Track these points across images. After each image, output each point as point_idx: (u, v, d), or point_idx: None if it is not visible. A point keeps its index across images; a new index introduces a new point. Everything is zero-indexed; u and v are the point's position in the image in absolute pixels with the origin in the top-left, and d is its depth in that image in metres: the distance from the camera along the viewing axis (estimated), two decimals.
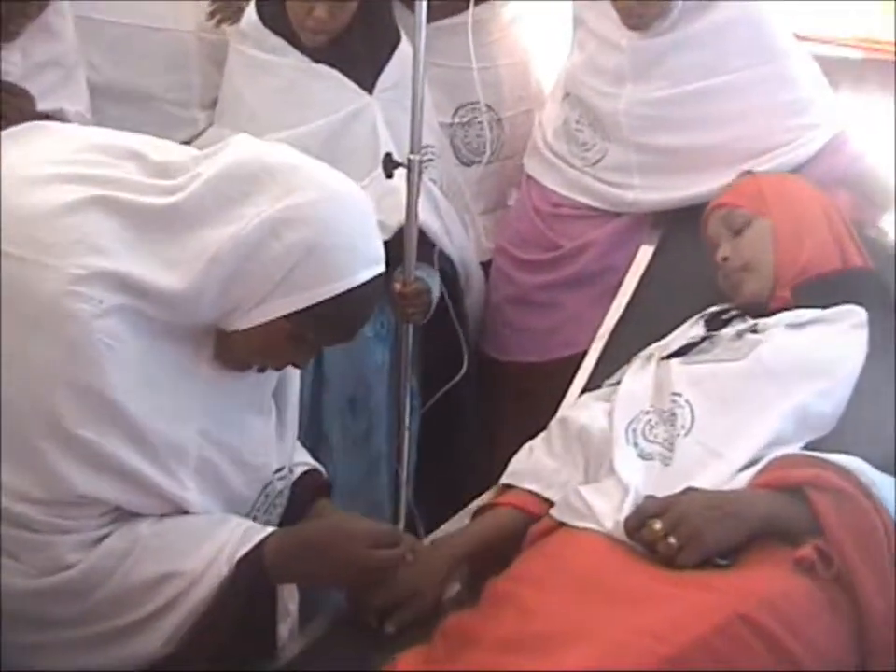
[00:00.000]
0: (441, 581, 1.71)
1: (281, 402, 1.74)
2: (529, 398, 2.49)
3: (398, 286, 2.31)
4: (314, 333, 1.54)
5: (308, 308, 1.48)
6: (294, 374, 1.78)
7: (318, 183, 1.50)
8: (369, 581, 1.61)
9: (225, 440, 1.58)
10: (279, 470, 1.71)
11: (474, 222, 2.78)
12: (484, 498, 1.93)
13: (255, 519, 1.65)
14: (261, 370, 1.60)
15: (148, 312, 1.45)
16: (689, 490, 1.54)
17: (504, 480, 1.90)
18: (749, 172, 2.08)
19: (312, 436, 2.35)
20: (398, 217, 2.28)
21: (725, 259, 1.93)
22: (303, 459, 1.84)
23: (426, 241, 2.38)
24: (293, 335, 1.51)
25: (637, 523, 1.50)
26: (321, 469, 1.87)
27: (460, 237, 2.62)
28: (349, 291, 1.49)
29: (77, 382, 1.40)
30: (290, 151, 1.54)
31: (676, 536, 1.45)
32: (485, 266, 2.74)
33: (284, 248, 1.45)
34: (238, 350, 1.55)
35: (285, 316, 1.48)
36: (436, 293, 2.40)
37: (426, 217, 2.37)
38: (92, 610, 1.49)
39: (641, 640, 1.27)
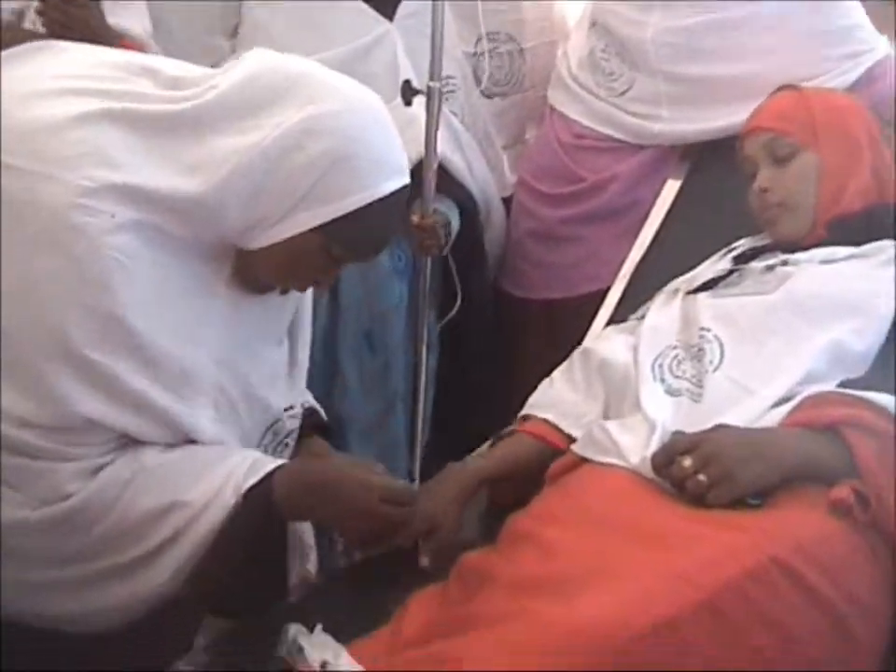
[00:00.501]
0: (458, 506, 1.66)
1: (293, 338, 1.69)
2: (551, 335, 2.46)
3: (415, 218, 2.26)
4: (339, 247, 1.47)
5: (334, 221, 1.42)
6: (307, 310, 1.72)
7: (341, 93, 1.44)
8: (375, 535, 1.55)
9: (239, 368, 1.53)
10: (289, 409, 1.66)
11: (497, 156, 2.72)
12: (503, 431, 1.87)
13: None
14: (284, 291, 1.55)
15: (165, 227, 1.39)
16: (720, 427, 1.46)
17: (523, 411, 1.85)
18: (792, 86, 1.94)
19: (326, 372, 2.32)
20: (417, 150, 2.22)
21: (764, 189, 1.82)
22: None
23: (445, 174, 2.33)
24: (318, 250, 1.46)
25: (666, 459, 1.43)
26: (319, 409, 1.79)
27: (482, 171, 2.57)
28: (375, 202, 1.44)
29: (85, 301, 1.34)
30: (311, 62, 1.48)
31: (706, 473, 1.38)
32: (507, 202, 2.69)
33: (308, 159, 1.39)
34: (260, 269, 1.49)
35: (310, 230, 1.43)
36: (455, 226, 2.34)
37: (446, 149, 2.32)
38: (95, 544, 1.44)
39: (670, 584, 1.20)
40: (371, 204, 1.43)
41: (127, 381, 1.39)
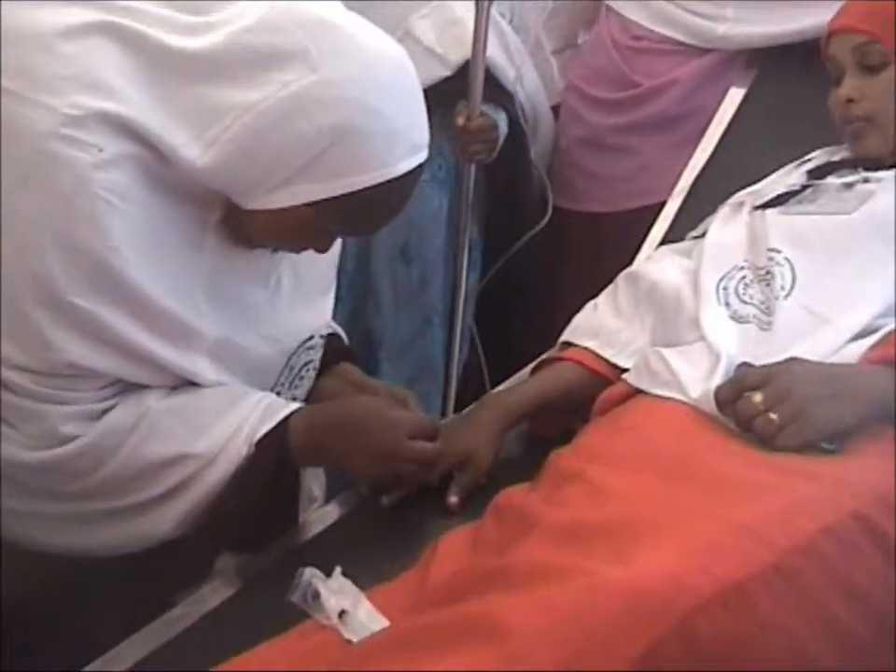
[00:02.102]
0: (495, 439, 1.54)
1: (311, 263, 1.55)
2: (599, 253, 2.34)
3: (460, 120, 2.14)
4: (338, 224, 1.35)
5: (336, 197, 1.27)
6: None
7: (361, 53, 1.25)
8: (400, 474, 1.44)
9: (238, 311, 1.42)
10: (308, 339, 1.54)
11: (547, 61, 2.58)
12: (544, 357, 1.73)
13: (279, 394, 1.50)
14: (275, 250, 1.42)
15: (154, 165, 1.25)
16: (792, 360, 1.30)
17: (564, 337, 1.71)
18: None
19: (358, 287, 2.24)
20: (461, 52, 2.12)
21: (850, 100, 1.63)
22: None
23: (491, 79, 2.19)
24: (315, 224, 1.32)
25: (732, 393, 1.27)
26: (342, 333, 1.68)
27: (531, 77, 2.44)
28: (385, 182, 1.28)
29: (70, 243, 1.23)
30: (334, 4, 1.31)
31: (778, 412, 1.22)
32: (556, 110, 2.56)
33: (314, 130, 1.23)
34: (252, 230, 1.36)
35: (308, 203, 1.28)
36: (503, 131, 2.20)
37: (493, 53, 2.19)
38: (95, 488, 1.36)
39: (737, 541, 1.04)
40: (379, 184, 1.27)
41: (116, 328, 1.29)
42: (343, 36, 1.25)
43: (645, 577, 0.99)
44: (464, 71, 2.15)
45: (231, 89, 1.23)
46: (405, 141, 1.29)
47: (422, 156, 1.32)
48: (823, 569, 1.07)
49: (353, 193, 1.27)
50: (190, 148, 1.24)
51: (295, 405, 1.43)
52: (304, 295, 1.55)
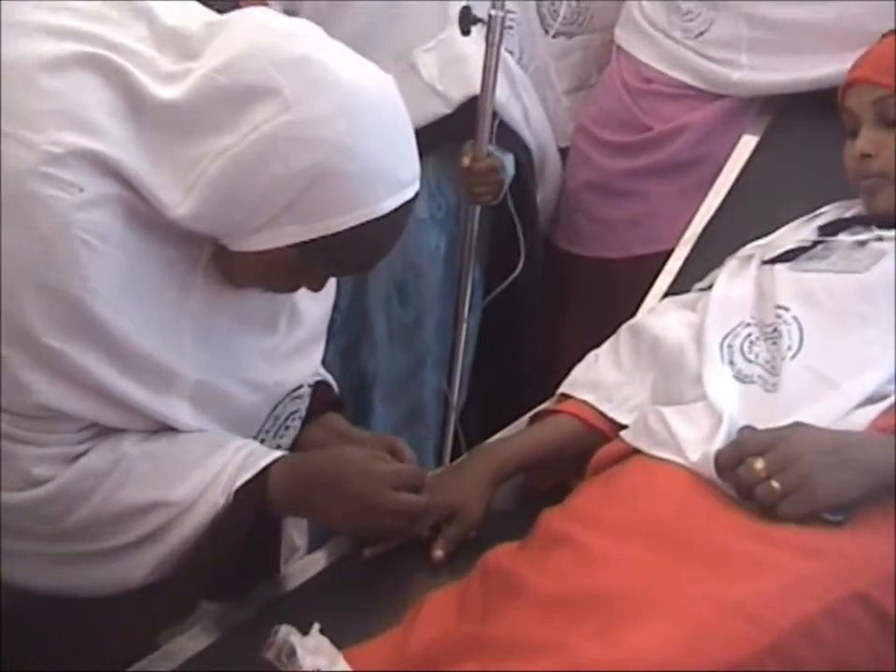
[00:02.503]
0: (485, 491, 1.49)
1: (303, 312, 1.50)
2: (603, 300, 2.28)
3: (466, 160, 2.09)
4: (325, 265, 1.31)
5: (316, 239, 1.23)
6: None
7: (337, 89, 1.20)
8: (383, 528, 1.40)
9: (222, 359, 1.37)
10: (296, 389, 1.49)
11: (557, 101, 2.53)
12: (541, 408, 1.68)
13: (263, 442, 1.45)
14: (265, 290, 1.37)
15: (137, 206, 1.21)
16: (797, 425, 1.25)
17: (562, 388, 1.65)
18: None
19: (354, 325, 2.20)
20: (463, 90, 2.09)
21: (866, 155, 1.57)
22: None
23: (496, 118, 2.14)
24: (300, 265, 1.27)
25: (733, 458, 1.22)
26: (332, 381, 1.63)
27: (539, 118, 2.39)
28: (370, 221, 1.23)
29: (48, 284, 1.18)
30: (312, 36, 1.26)
31: (780, 480, 1.17)
32: (565, 153, 2.51)
33: (288, 172, 1.19)
34: (238, 271, 1.31)
35: (291, 245, 1.23)
36: (510, 173, 2.15)
37: (499, 91, 2.13)
38: (69, 531, 1.32)
39: (732, 623, 0.99)
40: (363, 224, 1.23)
41: (92, 371, 1.25)
42: (320, 73, 1.20)
43: (630, 660, 0.94)
44: (464, 109, 2.11)
45: (205, 133, 1.19)
46: (388, 179, 1.24)
47: (409, 192, 1.27)
48: (820, 649, 1.03)
49: (337, 234, 1.22)
50: (170, 193, 1.21)
51: (276, 453, 1.38)
52: (300, 343, 1.51)
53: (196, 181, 1.20)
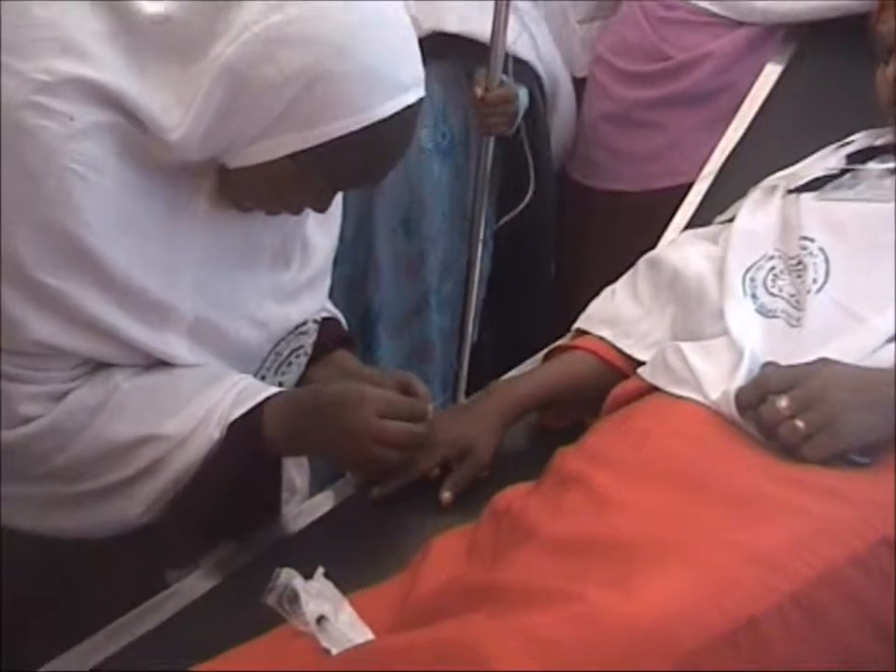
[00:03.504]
0: (497, 430, 1.45)
1: (313, 246, 1.47)
2: (620, 235, 2.22)
3: (479, 90, 2.04)
4: (327, 177, 1.24)
5: (315, 147, 1.17)
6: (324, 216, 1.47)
7: None
8: (374, 458, 1.35)
9: (224, 293, 1.33)
10: (300, 325, 1.45)
11: (572, 31, 2.48)
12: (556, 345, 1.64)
13: (263, 378, 1.42)
14: (270, 213, 1.32)
15: (134, 135, 1.17)
16: (823, 362, 1.19)
17: (578, 324, 1.60)
18: None
19: (359, 258, 2.17)
20: (432, 22, 2.08)
21: None
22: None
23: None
24: (300, 178, 1.22)
25: (755, 397, 1.16)
26: (340, 317, 1.60)
27: (548, 47, 2.35)
28: (370, 127, 1.17)
29: (39, 219, 1.15)
30: None
31: (805, 419, 1.12)
32: (581, 85, 2.47)
33: (280, 75, 1.13)
34: (240, 190, 1.27)
35: (289, 156, 1.18)
36: (523, 102, 2.12)
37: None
38: (61, 470, 1.29)
39: (754, 571, 0.94)
40: (363, 130, 1.16)
41: (88, 307, 1.22)
42: None
43: (647, 611, 0.89)
44: (430, 41, 2.03)
45: (197, 45, 1.14)
46: (387, 80, 1.17)
47: (412, 95, 1.20)
48: (848, 601, 0.97)
49: (337, 142, 1.16)
50: (169, 114, 1.16)
51: (273, 389, 1.35)
52: (311, 277, 1.47)
53: (193, 96, 1.15)
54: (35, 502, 1.32)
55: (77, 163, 1.14)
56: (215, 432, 1.28)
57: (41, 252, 1.16)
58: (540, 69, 2.28)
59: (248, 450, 1.30)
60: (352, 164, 1.22)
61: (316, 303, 1.50)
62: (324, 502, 1.46)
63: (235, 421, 1.29)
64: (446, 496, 1.38)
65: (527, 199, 2.22)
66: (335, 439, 1.32)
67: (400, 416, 1.33)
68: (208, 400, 1.30)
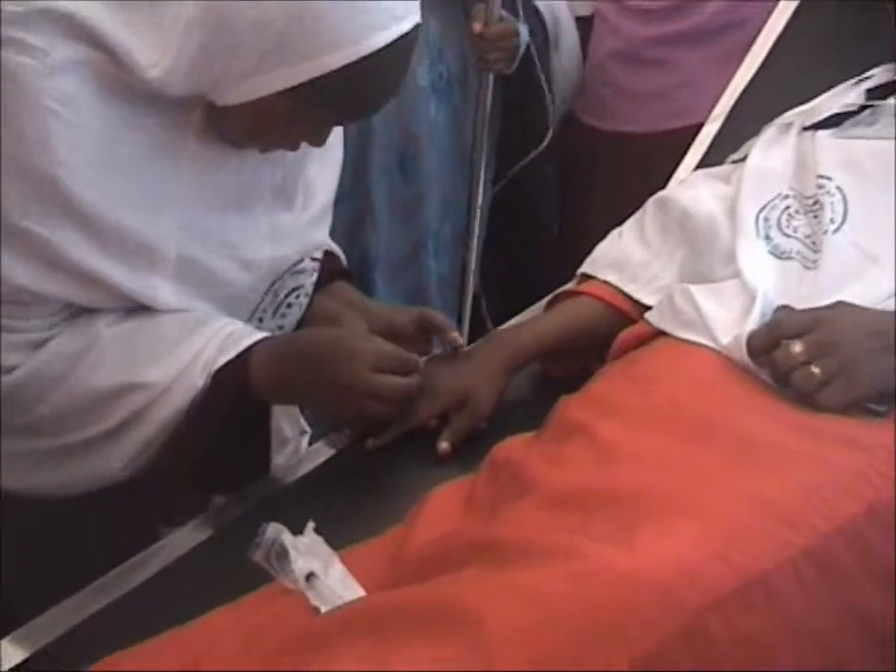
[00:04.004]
0: (498, 379, 1.40)
1: (314, 184, 1.43)
2: (628, 176, 2.19)
3: (478, 26, 1.99)
4: (322, 112, 1.20)
5: (305, 83, 1.13)
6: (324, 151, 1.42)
7: None
8: (366, 412, 1.31)
9: (215, 231, 1.30)
10: (295, 264, 1.41)
11: None
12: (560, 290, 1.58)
13: (261, 322, 1.39)
14: (264, 150, 1.28)
15: (113, 71, 1.13)
16: (840, 305, 1.14)
17: (583, 268, 1.55)
18: None
19: (355, 201, 2.12)
20: None
21: None
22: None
23: None
24: (294, 113, 1.18)
25: (768, 341, 1.12)
26: (338, 251, 1.55)
27: None
28: (360, 61, 1.12)
29: (17, 161, 1.12)
30: None
31: (820, 365, 1.07)
32: (587, 23, 2.43)
33: (262, 13, 1.08)
34: (231, 128, 1.23)
35: (282, 91, 1.14)
36: (524, 38, 2.07)
37: None
38: (43, 422, 1.27)
39: (768, 525, 0.89)
40: (353, 63, 1.12)
41: (68, 252, 1.19)
42: None
43: (651, 566, 0.84)
44: None
45: None
46: (377, 10, 1.12)
47: (405, 25, 1.15)
48: (862, 555, 0.92)
49: (329, 75, 1.12)
50: (146, 53, 1.12)
51: (259, 334, 1.30)
52: (313, 217, 1.44)
53: (171, 34, 1.11)
54: (17, 461, 1.30)
55: (54, 100, 1.10)
56: (199, 380, 1.25)
57: (17, 195, 1.14)
58: (541, 4, 2.22)
59: (234, 398, 1.26)
60: (348, 97, 1.18)
61: (317, 241, 1.46)
62: (317, 454, 1.41)
63: (221, 368, 1.25)
64: (444, 446, 1.33)
65: (546, 142, 2.20)
66: (325, 391, 1.28)
67: (393, 370, 1.29)
68: (192, 347, 1.26)
